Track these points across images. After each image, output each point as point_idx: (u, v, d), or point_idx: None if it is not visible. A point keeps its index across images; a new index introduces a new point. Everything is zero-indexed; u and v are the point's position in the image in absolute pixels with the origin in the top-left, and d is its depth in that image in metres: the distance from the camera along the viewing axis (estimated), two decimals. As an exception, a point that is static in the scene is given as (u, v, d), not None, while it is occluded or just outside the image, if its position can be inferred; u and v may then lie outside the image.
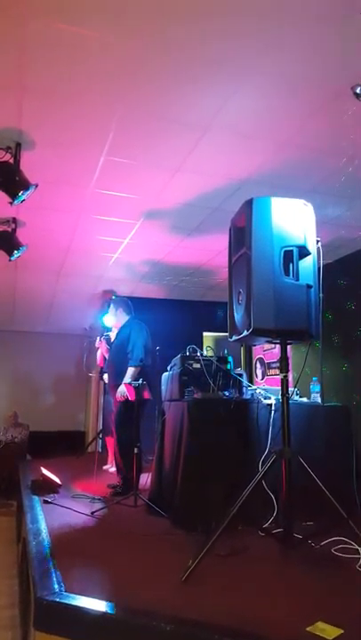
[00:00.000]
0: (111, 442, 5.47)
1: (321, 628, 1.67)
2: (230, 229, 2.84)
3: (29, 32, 2.28)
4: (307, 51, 2.39)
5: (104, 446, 7.16)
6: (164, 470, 3.46)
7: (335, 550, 2.49)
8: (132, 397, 3.75)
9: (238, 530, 2.65)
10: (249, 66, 2.49)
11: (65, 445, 7.99)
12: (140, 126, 3.01)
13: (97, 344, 5.34)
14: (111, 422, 4.57)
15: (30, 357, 9.39)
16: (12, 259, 4.30)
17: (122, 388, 4.01)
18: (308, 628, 1.67)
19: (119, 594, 2.02)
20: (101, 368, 5.55)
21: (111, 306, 4.64)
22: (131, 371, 4.09)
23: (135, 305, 4.69)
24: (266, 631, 1.68)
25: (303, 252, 2.53)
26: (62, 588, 2.00)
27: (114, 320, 4.61)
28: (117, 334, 4.48)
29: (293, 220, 2.54)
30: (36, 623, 1.94)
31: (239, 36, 2.30)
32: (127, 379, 4.03)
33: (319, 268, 2.61)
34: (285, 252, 2.50)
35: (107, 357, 4.90)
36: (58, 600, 1.91)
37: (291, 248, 2.50)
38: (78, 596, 1.93)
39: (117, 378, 4.18)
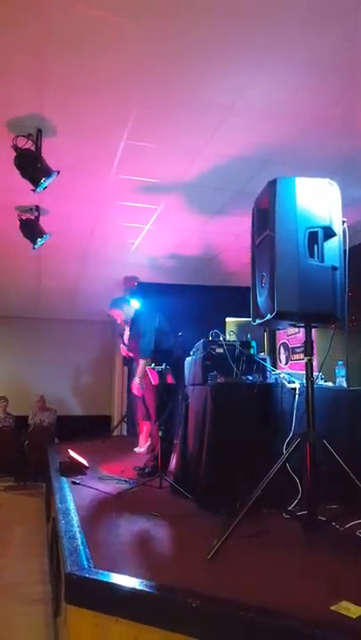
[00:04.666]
0: (142, 425, 5.50)
1: (345, 607, 1.68)
2: (253, 211, 2.81)
3: (50, 17, 2.27)
4: (332, 31, 2.32)
5: (129, 430, 7.27)
6: (188, 453, 3.50)
7: (360, 532, 2.48)
8: (155, 382, 3.79)
9: (263, 512, 2.67)
10: (272, 47, 2.44)
11: (91, 429, 8.14)
12: (160, 109, 2.99)
13: (123, 352, 5.13)
14: (138, 407, 4.61)
15: (56, 344, 9.55)
16: (36, 247, 4.35)
17: (137, 382, 4.13)
18: (332, 607, 1.68)
19: (146, 570, 2.07)
20: (124, 357, 5.58)
21: (114, 311, 4.47)
22: (141, 364, 4.15)
23: (157, 290, 4.70)
24: (289, 609, 1.70)
25: (329, 232, 2.49)
26: (91, 565, 2.06)
27: (125, 316, 4.50)
28: (130, 326, 4.47)
29: (318, 200, 2.49)
30: (67, 597, 2.01)
31: (261, 17, 2.25)
32: (138, 374, 4.10)
33: (345, 250, 2.56)
34: (310, 233, 2.45)
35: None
36: (87, 576, 1.97)
37: (316, 229, 2.46)
38: (107, 572, 1.99)
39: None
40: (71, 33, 2.38)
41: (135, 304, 4.54)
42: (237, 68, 2.61)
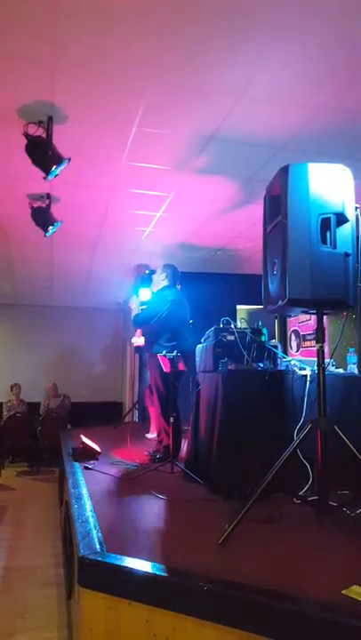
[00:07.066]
0: (153, 411, 5.54)
1: (356, 591, 1.70)
2: (265, 198, 2.78)
3: (60, 3, 2.25)
4: (343, 16, 2.27)
5: (141, 416, 7.33)
6: (199, 439, 3.52)
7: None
8: (166, 369, 3.80)
9: (274, 497, 2.69)
10: (284, 31, 2.39)
11: (103, 416, 8.23)
12: (171, 96, 2.96)
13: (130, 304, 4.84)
14: (148, 393, 4.63)
15: (68, 331, 9.63)
16: (48, 235, 4.35)
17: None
18: (343, 591, 1.70)
19: (157, 554, 2.10)
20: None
21: (159, 269, 4.50)
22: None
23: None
24: (300, 593, 1.71)
25: (341, 219, 2.46)
26: (103, 548, 2.10)
27: (157, 282, 4.49)
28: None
29: (331, 186, 2.46)
30: (80, 580, 2.05)
31: (271, 3, 2.20)
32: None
33: (358, 236, 2.53)
34: (323, 219, 2.43)
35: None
36: (100, 559, 2.01)
37: (328, 215, 2.43)
38: (119, 556, 2.02)
39: (150, 347, 4.23)
40: (82, 20, 2.35)
41: (162, 281, 4.41)
42: (248, 53, 2.56)
